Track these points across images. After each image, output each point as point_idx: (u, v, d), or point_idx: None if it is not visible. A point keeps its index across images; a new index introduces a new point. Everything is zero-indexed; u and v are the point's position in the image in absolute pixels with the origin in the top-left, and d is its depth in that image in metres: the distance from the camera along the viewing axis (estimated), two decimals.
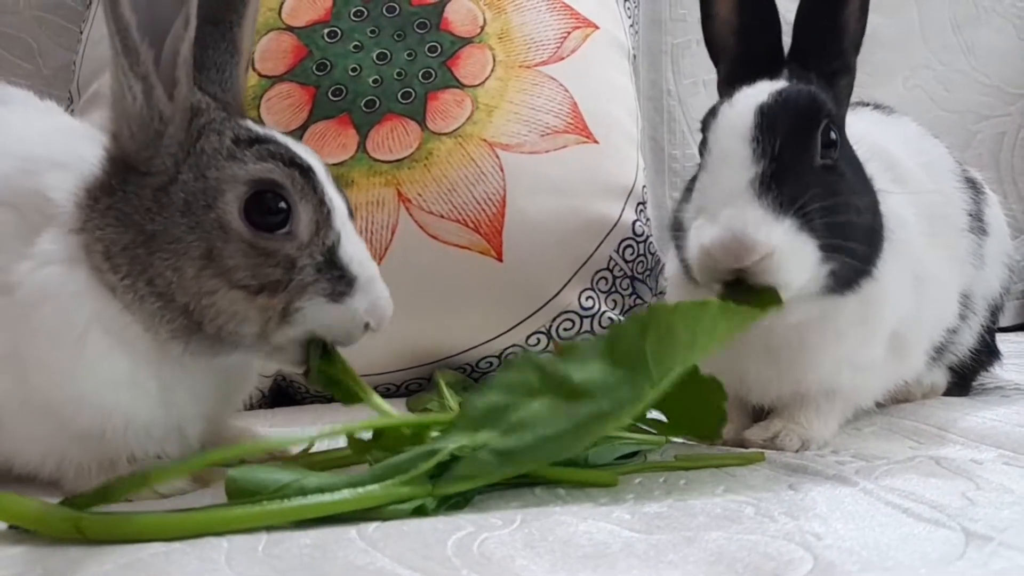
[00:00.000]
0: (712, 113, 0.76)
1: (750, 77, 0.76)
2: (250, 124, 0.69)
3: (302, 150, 0.70)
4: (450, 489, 0.62)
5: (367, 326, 0.69)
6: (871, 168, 0.81)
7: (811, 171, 0.71)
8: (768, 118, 0.71)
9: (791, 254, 0.67)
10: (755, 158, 0.69)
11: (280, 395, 1.27)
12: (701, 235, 0.69)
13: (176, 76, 0.65)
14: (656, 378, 0.63)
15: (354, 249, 0.69)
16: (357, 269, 0.68)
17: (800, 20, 0.77)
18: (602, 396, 0.63)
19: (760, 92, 0.73)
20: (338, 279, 0.67)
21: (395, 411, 0.72)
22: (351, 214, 0.72)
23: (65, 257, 0.65)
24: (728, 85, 0.80)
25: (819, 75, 0.77)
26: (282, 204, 0.66)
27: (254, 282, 0.64)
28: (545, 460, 0.64)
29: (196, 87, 0.68)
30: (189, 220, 0.64)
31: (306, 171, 0.67)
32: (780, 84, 0.74)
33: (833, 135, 0.73)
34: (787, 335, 0.78)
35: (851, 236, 0.71)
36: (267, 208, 0.65)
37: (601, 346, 0.64)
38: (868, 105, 1.03)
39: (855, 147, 0.81)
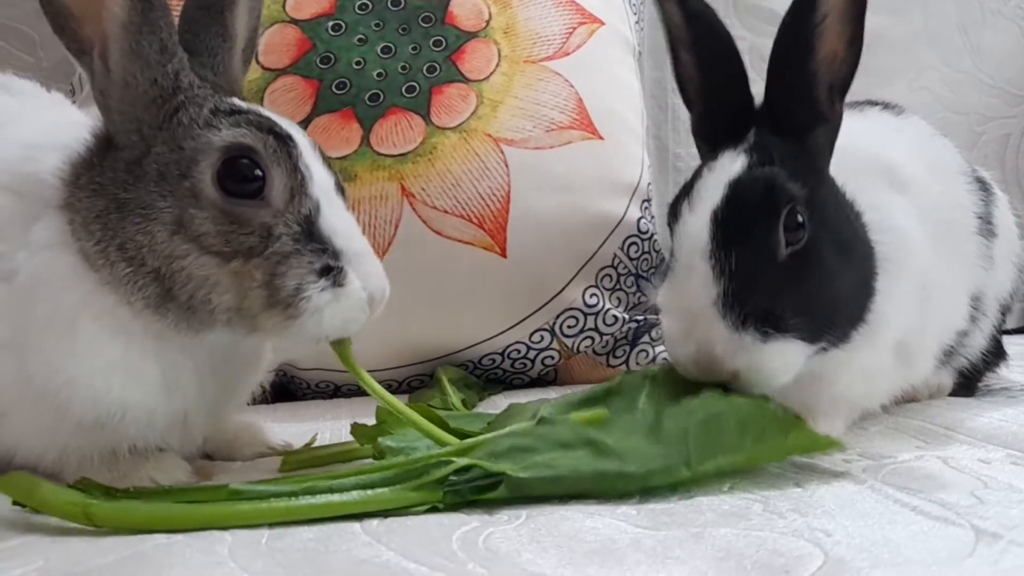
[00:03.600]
0: (674, 211, 0.75)
1: (717, 134, 0.77)
2: (235, 100, 0.68)
3: (285, 123, 0.68)
4: (459, 499, 0.62)
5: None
6: (863, 181, 0.80)
7: (776, 269, 0.70)
8: (723, 228, 0.70)
9: (762, 365, 0.69)
10: (715, 275, 0.69)
11: (282, 390, 1.27)
12: (676, 347, 0.72)
13: (109, 50, 0.65)
14: (694, 462, 0.64)
15: (338, 221, 0.66)
16: (342, 242, 0.65)
17: (769, 73, 0.75)
18: (632, 458, 0.63)
19: (717, 185, 0.72)
20: (320, 252, 0.64)
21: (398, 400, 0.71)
22: (342, 191, 0.69)
23: (56, 241, 0.65)
24: (698, 137, 0.81)
25: (790, 131, 0.74)
26: (257, 171, 0.64)
27: (227, 248, 0.63)
28: (557, 494, 0.63)
29: (188, 69, 0.67)
30: (162, 189, 0.63)
31: (282, 138, 0.65)
32: (738, 165, 0.73)
33: (799, 218, 0.70)
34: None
35: (833, 313, 0.72)
36: (241, 174, 0.64)
37: (646, 423, 0.66)
38: (877, 104, 1.02)
39: (849, 159, 0.79)
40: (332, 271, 0.64)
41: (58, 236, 0.65)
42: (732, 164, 0.73)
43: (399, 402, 0.71)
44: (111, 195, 0.64)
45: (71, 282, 0.64)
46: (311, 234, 0.65)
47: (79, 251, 0.64)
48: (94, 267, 0.64)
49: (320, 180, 0.67)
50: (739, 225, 0.70)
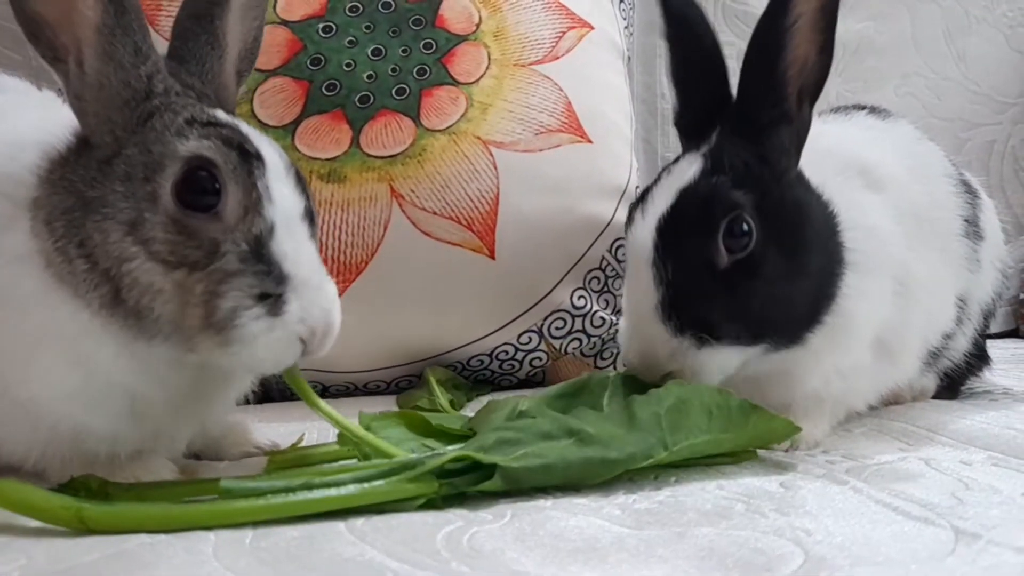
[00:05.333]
0: (631, 216, 0.79)
1: (690, 128, 0.81)
2: (218, 112, 0.68)
3: (262, 141, 0.67)
4: (454, 491, 0.63)
5: (302, 342, 0.63)
6: (840, 181, 0.81)
7: (714, 279, 0.73)
8: (664, 238, 0.74)
9: (695, 369, 0.73)
10: (656, 283, 0.74)
11: (269, 391, 1.26)
12: (626, 348, 0.78)
13: (84, 54, 0.65)
14: (669, 443, 0.67)
15: (291, 247, 0.64)
16: (290, 268, 0.63)
17: (741, 73, 0.77)
18: (614, 446, 0.66)
19: (668, 193, 0.75)
20: (264, 275, 0.62)
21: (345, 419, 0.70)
22: (311, 218, 0.67)
23: (25, 251, 0.64)
24: (678, 130, 0.84)
25: (753, 131, 0.76)
26: (215, 186, 0.63)
27: (172, 258, 0.62)
28: (549, 483, 0.65)
29: (164, 74, 0.66)
30: (126, 189, 0.63)
31: (247, 155, 0.64)
32: (691, 172, 0.75)
33: (745, 226, 0.73)
34: (765, 367, 0.78)
35: (775, 318, 0.75)
36: (198, 187, 0.63)
37: (619, 415, 0.69)
38: (864, 109, 1.03)
39: (828, 160, 0.81)
40: (270, 298, 0.62)
41: (27, 245, 0.64)
42: (687, 170, 0.77)
43: (355, 425, 0.70)
44: (78, 192, 0.64)
45: (37, 300, 0.64)
46: (259, 255, 0.63)
47: (42, 255, 0.63)
48: (54, 269, 0.63)
49: (282, 203, 0.65)
50: (680, 236, 0.74)
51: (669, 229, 0.74)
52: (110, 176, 0.64)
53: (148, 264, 0.62)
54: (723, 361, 0.74)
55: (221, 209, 0.63)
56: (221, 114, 0.67)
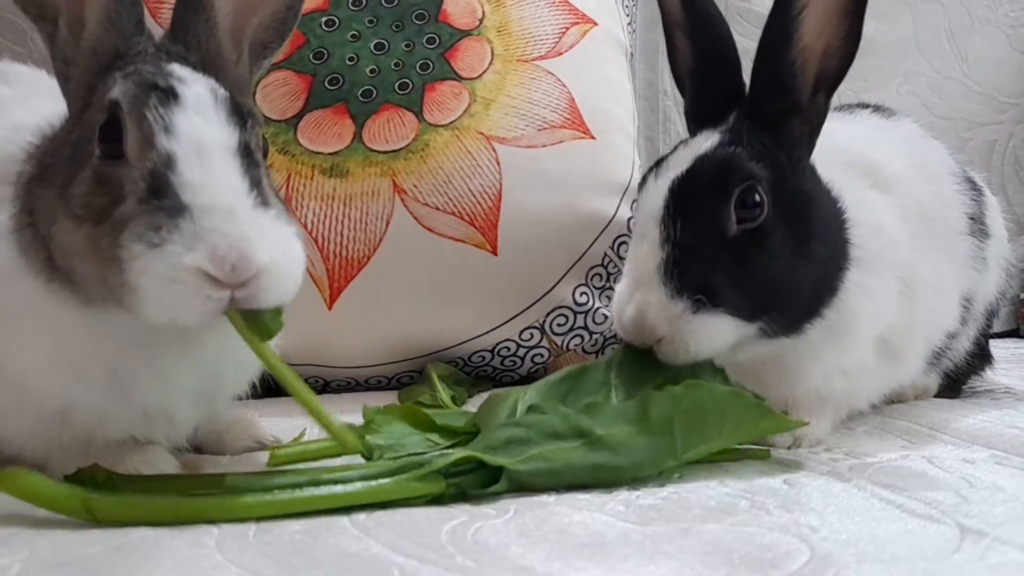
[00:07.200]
0: (644, 179, 0.79)
1: (704, 117, 0.80)
2: (170, 65, 0.62)
3: (191, 82, 0.60)
4: (460, 491, 0.63)
5: (211, 277, 0.54)
6: (847, 180, 0.81)
7: (721, 245, 0.72)
8: (676, 198, 0.73)
9: (688, 335, 0.71)
10: (662, 242, 0.72)
11: (272, 386, 1.26)
12: (622, 307, 0.74)
13: (84, 18, 0.63)
14: (679, 451, 0.67)
15: (197, 176, 0.56)
16: (190, 197, 0.55)
17: (754, 63, 0.77)
18: (623, 452, 0.65)
19: (684, 160, 0.75)
20: (159, 210, 0.55)
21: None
22: (248, 154, 0.60)
23: (8, 228, 0.64)
24: (689, 119, 0.83)
25: (766, 120, 0.76)
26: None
27: (83, 212, 0.58)
28: (554, 487, 0.65)
29: (145, 39, 0.64)
30: (75, 153, 0.61)
31: (149, 88, 0.59)
32: (709, 143, 0.75)
33: (757, 197, 0.72)
34: (766, 358, 0.78)
35: (775, 295, 0.73)
36: (110, 133, 0.58)
37: (632, 411, 0.67)
38: (868, 107, 1.03)
39: (835, 158, 0.81)
40: (158, 233, 0.54)
41: (9, 223, 0.64)
42: (704, 142, 0.76)
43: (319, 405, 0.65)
44: (43, 163, 0.63)
45: (13, 273, 0.63)
46: (158, 191, 0.56)
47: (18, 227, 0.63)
48: (15, 238, 0.63)
49: (186, 133, 0.57)
50: (692, 197, 0.73)
51: (682, 191, 0.74)
52: (67, 143, 0.63)
53: (65, 222, 0.59)
54: (717, 332, 0.71)
55: (125, 150, 0.58)
56: (172, 66, 0.62)
